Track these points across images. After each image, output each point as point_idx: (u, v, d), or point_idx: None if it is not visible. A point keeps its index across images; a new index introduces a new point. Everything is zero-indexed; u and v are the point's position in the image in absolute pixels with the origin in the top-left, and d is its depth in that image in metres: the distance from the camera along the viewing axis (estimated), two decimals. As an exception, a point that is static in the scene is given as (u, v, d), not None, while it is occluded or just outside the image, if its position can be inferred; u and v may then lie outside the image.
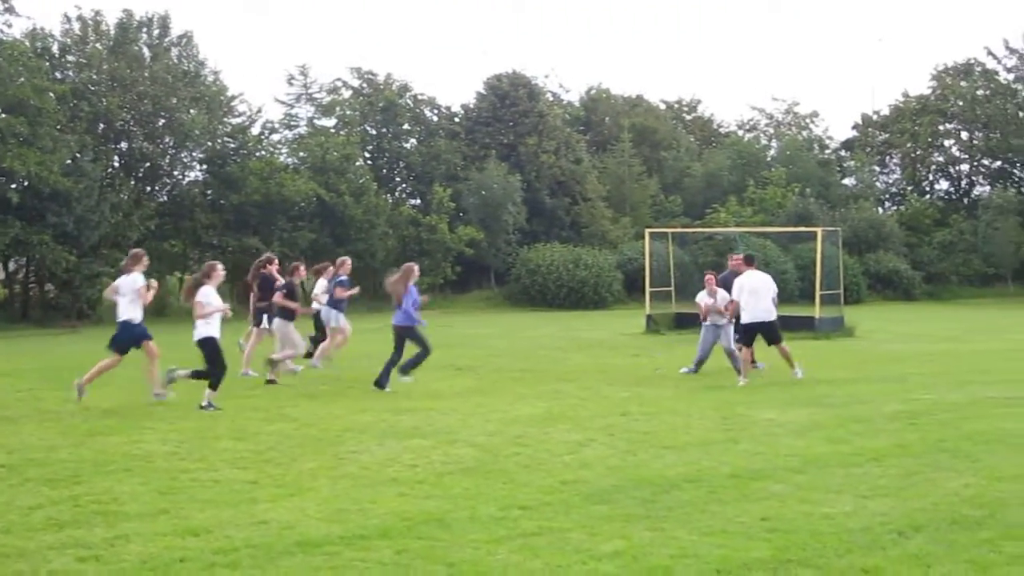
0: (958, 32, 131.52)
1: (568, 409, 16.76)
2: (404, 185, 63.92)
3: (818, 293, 32.85)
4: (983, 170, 75.14)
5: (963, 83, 73.58)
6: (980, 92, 72.30)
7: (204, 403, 17.23)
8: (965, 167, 76.13)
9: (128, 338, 18.70)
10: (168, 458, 12.61)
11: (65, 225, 41.23)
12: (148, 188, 49.52)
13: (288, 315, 21.47)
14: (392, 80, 62.75)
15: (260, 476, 11.59)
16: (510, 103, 63.50)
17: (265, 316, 22.43)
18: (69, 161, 42.38)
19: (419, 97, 63.92)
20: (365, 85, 62.50)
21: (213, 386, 17.55)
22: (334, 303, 23.41)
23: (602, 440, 13.79)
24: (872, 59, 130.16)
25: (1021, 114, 70.99)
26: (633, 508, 10.12)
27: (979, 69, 73.55)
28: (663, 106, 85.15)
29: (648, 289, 35.21)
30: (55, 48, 46.78)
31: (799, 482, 11.23)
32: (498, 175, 57.59)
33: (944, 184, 77.19)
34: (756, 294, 21.01)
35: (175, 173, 51.02)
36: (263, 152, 53.21)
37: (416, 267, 21.01)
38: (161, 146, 48.09)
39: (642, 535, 9.15)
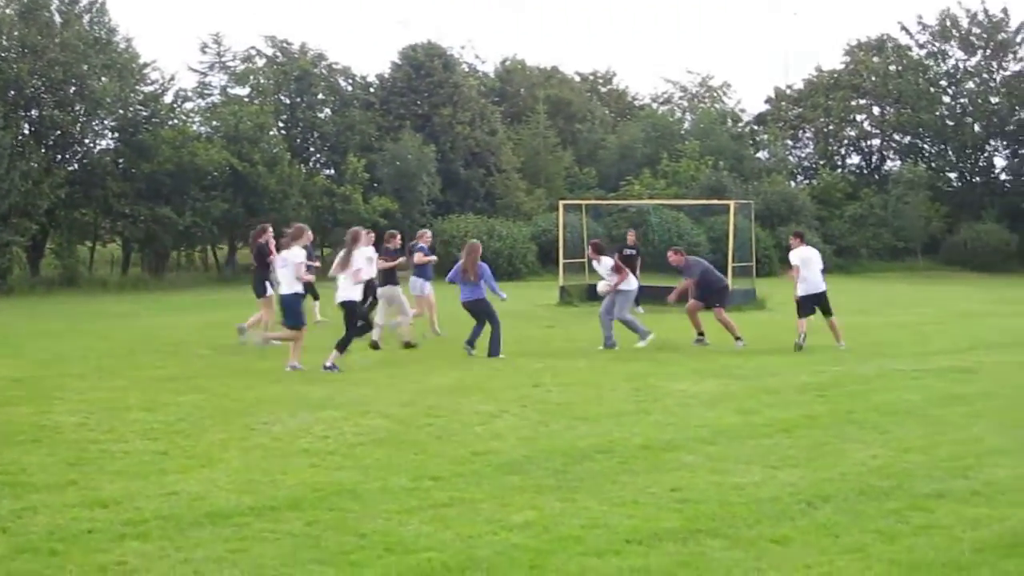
0: (872, 7, 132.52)
1: (481, 380, 16.79)
2: (318, 155, 63.54)
3: (731, 265, 32.98)
4: (894, 145, 75.78)
5: (876, 58, 74.16)
6: (892, 67, 72.93)
7: (328, 363, 18.04)
8: (876, 142, 76.77)
9: (297, 310, 18.78)
10: (77, 429, 12.50)
11: (-26, 193, 40.74)
12: (59, 156, 48.83)
13: (393, 280, 22.93)
14: (307, 49, 62.28)
15: (170, 447, 11.52)
16: (425, 73, 63.27)
17: (268, 284, 22.69)
18: (-23, 129, 41.82)
19: (334, 67, 63.52)
20: (279, 54, 62.01)
21: (341, 348, 18.36)
22: (420, 271, 24.54)
23: (514, 411, 13.82)
24: (786, 33, 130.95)
25: (932, 89, 71.66)
26: (544, 479, 10.16)
27: (891, 45, 74.15)
28: (578, 78, 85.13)
29: (562, 261, 35.22)
30: (-37, 14, 46.11)
31: (710, 453, 11.33)
32: (413, 146, 57.39)
33: (856, 159, 77.81)
34: (809, 266, 22.09)
35: (86, 141, 50.35)
36: (176, 121, 52.66)
37: (479, 244, 22.22)
38: (72, 114, 47.40)
39: (553, 505, 9.19)
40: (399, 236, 24.96)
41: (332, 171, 61.13)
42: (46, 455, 11.11)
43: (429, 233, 26.64)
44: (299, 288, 18.65)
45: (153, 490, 9.65)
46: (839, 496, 9.52)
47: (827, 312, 22.32)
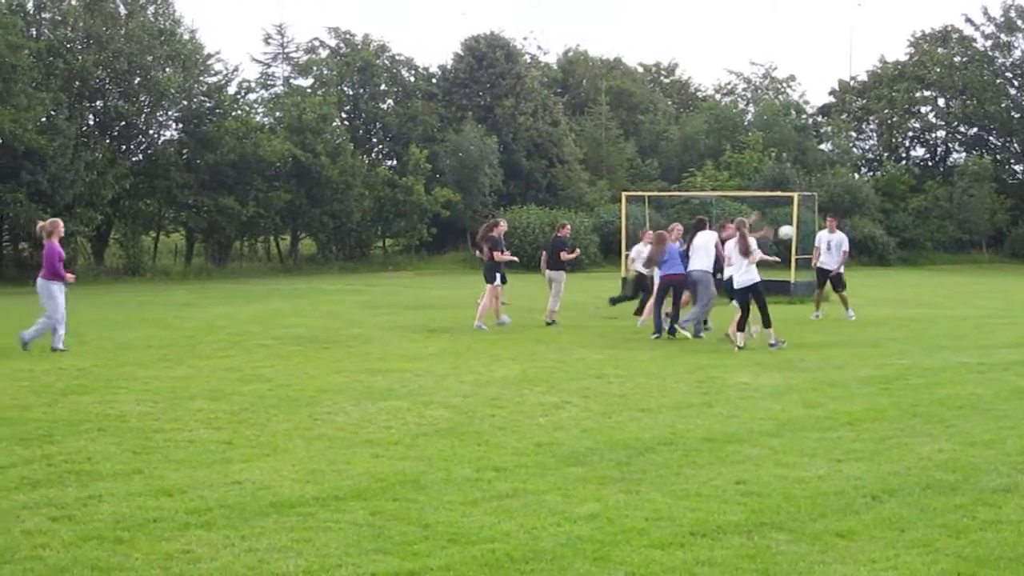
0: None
1: (543, 371, 16.76)
2: (380, 146, 63.84)
3: (794, 257, 32.82)
4: (959, 137, 75.24)
5: (940, 50, 73.59)
6: (957, 59, 72.37)
7: (772, 341, 19.86)
8: (941, 134, 76.26)
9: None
10: (142, 418, 12.57)
11: (39, 183, 41.06)
12: (123, 147, 49.29)
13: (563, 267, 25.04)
14: (369, 40, 62.64)
15: (234, 436, 11.56)
16: (487, 64, 63.39)
17: (498, 274, 24.46)
18: (44, 119, 42.19)
19: (396, 58, 63.81)
20: (342, 45, 62.30)
21: (768, 324, 20.16)
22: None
23: (577, 402, 13.79)
24: (851, 24, 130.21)
25: (998, 81, 71.07)
26: (608, 470, 10.12)
27: (956, 36, 73.57)
28: (641, 69, 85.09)
29: (624, 252, 35.11)
30: (30, 5, 46.49)
31: (773, 446, 11.25)
32: (475, 137, 57.51)
33: (920, 151, 77.41)
34: (829, 250, 26.48)
35: (150, 132, 50.84)
36: (239, 111, 53.03)
37: (666, 233, 22.85)
38: (136, 104, 47.83)
39: (617, 497, 9.15)
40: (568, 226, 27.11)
41: (394, 162, 61.48)
42: (111, 444, 11.17)
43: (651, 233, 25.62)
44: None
45: (217, 479, 9.68)
46: (904, 490, 9.42)
47: (836, 287, 26.71)
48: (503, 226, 25.95)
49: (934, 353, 19.33)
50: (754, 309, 20.30)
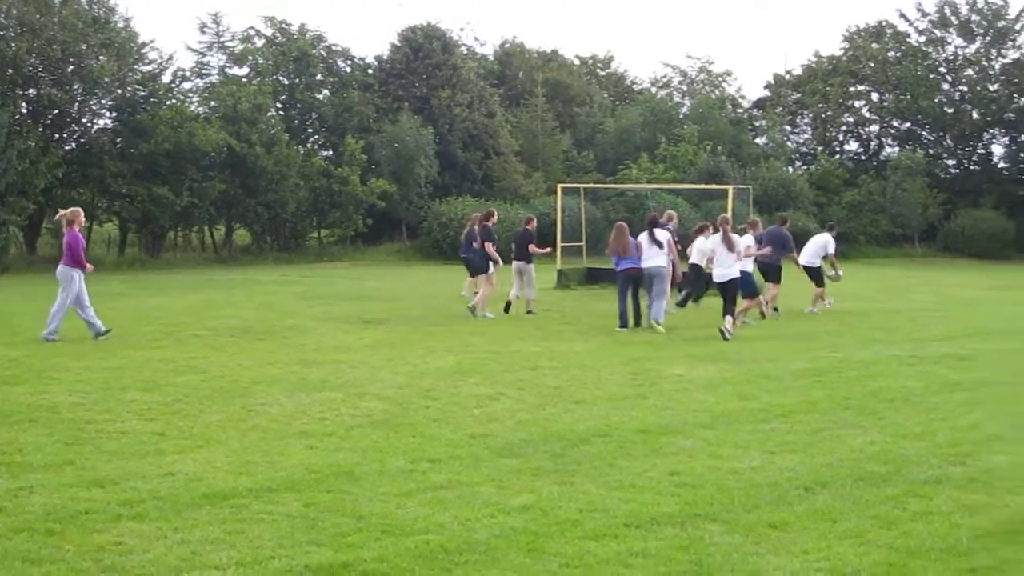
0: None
1: (478, 363, 16.78)
2: (316, 136, 63.60)
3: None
4: (892, 131, 75.75)
5: (874, 45, 74.11)
6: (891, 54, 72.88)
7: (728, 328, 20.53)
8: (875, 128, 76.74)
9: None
10: (74, 409, 12.48)
11: (-29, 172, 40.70)
12: (56, 136, 48.82)
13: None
14: (306, 30, 62.33)
15: (167, 428, 11.51)
16: (424, 55, 63.31)
17: (490, 263, 25.96)
18: (-26, 108, 41.78)
19: (333, 48, 63.57)
20: (278, 35, 62.01)
21: (729, 313, 21.01)
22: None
23: (512, 394, 13.81)
24: (786, 18, 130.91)
25: (931, 76, 71.63)
26: (542, 462, 10.15)
27: (890, 31, 74.10)
28: (577, 62, 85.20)
29: (559, 244, 35.17)
30: (-39, -7, 46.03)
31: (707, 437, 11.31)
32: (411, 128, 57.45)
33: (854, 145, 77.80)
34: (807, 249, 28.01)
35: (84, 121, 50.35)
36: (174, 100, 52.68)
37: (625, 225, 23.39)
38: (70, 93, 47.37)
39: (551, 489, 9.18)
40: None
41: (330, 152, 61.35)
42: (43, 435, 11.09)
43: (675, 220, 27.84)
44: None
45: (150, 470, 9.63)
46: (837, 482, 9.51)
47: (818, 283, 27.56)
48: (495, 217, 27.81)
49: (867, 346, 19.51)
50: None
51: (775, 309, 25.86)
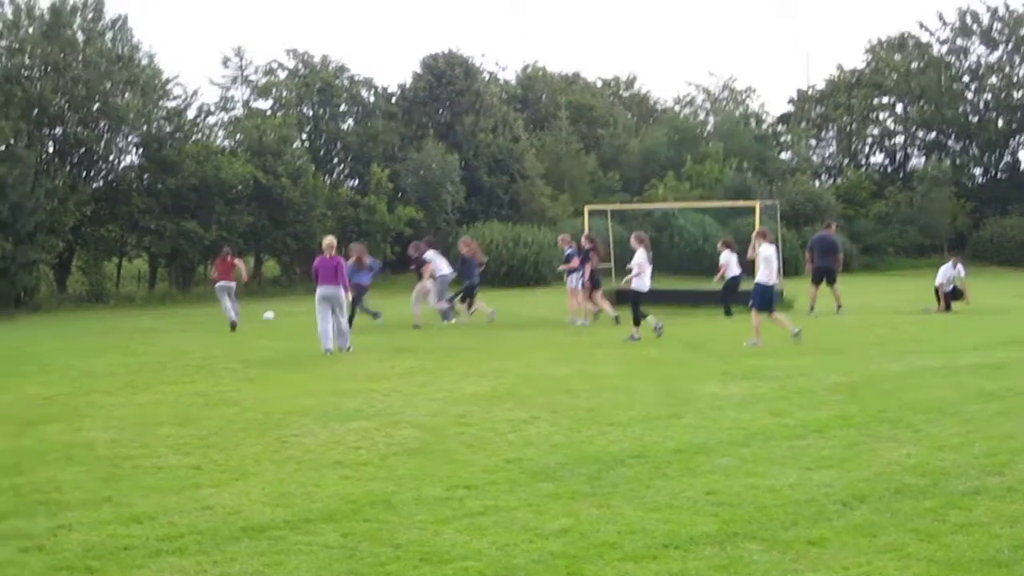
0: (892, 5, 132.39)
1: (511, 387, 16.76)
2: (342, 166, 63.70)
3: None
4: (918, 142, 75.75)
5: (897, 56, 74.08)
6: (914, 65, 72.85)
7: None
8: (900, 139, 76.77)
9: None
10: (110, 446, 12.51)
11: (0, 212, 40.81)
12: (83, 173, 49.01)
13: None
14: (328, 61, 62.50)
15: (203, 461, 11.52)
16: (446, 82, 63.43)
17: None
18: (3, 148, 41.94)
19: (356, 78, 63.71)
20: (301, 66, 62.19)
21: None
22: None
23: (546, 417, 13.79)
24: (808, 33, 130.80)
25: (954, 86, 71.58)
26: (579, 485, 10.13)
27: (912, 42, 74.09)
28: (600, 83, 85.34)
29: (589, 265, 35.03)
30: (-14, 33, 46.30)
31: (743, 455, 11.28)
32: (436, 154, 57.53)
33: (880, 157, 77.81)
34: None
35: (111, 158, 50.51)
36: (199, 135, 52.85)
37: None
38: (96, 131, 47.57)
39: (589, 512, 9.16)
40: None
41: (356, 182, 61.42)
42: (80, 472, 11.12)
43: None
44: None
45: (188, 505, 9.64)
46: (875, 496, 9.47)
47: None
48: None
49: (900, 358, 19.43)
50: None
51: (839, 306, 30.09)
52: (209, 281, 48.84)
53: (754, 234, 24.14)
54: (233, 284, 29.93)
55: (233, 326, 28.98)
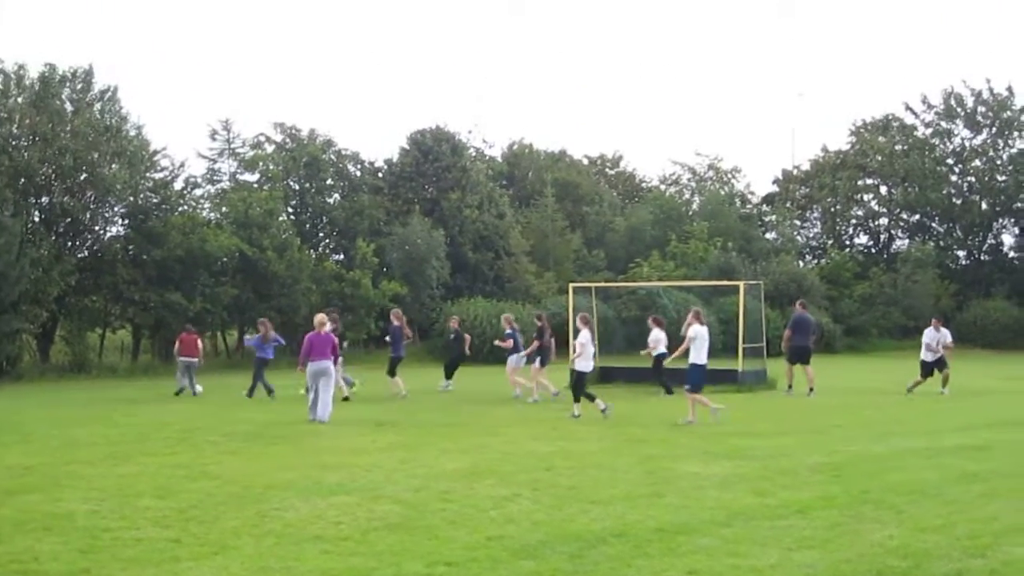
0: (877, 87, 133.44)
1: (493, 463, 16.72)
2: (327, 240, 63.88)
3: (741, 346, 32.99)
4: (902, 224, 76.14)
5: (881, 138, 74.58)
6: (898, 147, 73.34)
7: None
8: (884, 221, 77.16)
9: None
10: (89, 516, 12.45)
11: (-16, 281, 40.78)
12: (69, 243, 49.03)
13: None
14: (315, 135, 62.86)
15: (183, 534, 11.46)
16: (433, 158, 63.73)
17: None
18: (-11, 216, 41.99)
19: (342, 152, 64.08)
20: (288, 140, 62.52)
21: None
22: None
23: (528, 495, 13.75)
24: (793, 114, 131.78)
25: (938, 168, 72.04)
26: (560, 563, 10.09)
27: (896, 124, 74.64)
28: (586, 161, 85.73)
29: (572, 343, 35.06)
30: (-26, 102, 46.42)
31: (725, 535, 11.25)
32: (422, 230, 57.70)
33: (864, 238, 78.19)
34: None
35: (96, 228, 50.54)
36: (185, 207, 52.96)
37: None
38: (82, 201, 47.62)
39: (569, 590, 9.13)
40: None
41: (341, 256, 61.55)
42: (58, 543, 11.06)
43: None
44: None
45: (166, 578, 9.60)
46: (857, 578, 9.45)
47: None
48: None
49: (882, 439, 19.45)
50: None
51: (811, 389, 29.64)
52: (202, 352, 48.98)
53: (689, 314, 24.16)
54: (196, 360, 32.39)
55: (181, 392, 32.07)
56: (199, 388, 32.23)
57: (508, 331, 30.77)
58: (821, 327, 29.63)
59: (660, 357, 29.77)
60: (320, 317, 24.79)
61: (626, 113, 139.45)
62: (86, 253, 50.25)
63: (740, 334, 33.03)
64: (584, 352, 24.38)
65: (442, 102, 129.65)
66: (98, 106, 48.94)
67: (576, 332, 24.98)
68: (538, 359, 29.37)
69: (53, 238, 47.14)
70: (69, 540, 11.20)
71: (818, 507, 12.72)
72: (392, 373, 30.81)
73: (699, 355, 22.99)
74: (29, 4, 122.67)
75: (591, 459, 17.25)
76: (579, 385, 24.50)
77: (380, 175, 65.64)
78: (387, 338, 31.93)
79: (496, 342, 32.08)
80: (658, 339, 29.64)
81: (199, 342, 33.06)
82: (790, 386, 30.00)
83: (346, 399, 28.36)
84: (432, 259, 57.79)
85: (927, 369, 30.75)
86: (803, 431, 20.96)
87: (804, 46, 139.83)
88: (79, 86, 48.13)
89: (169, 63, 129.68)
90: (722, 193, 77.61)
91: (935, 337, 30.98)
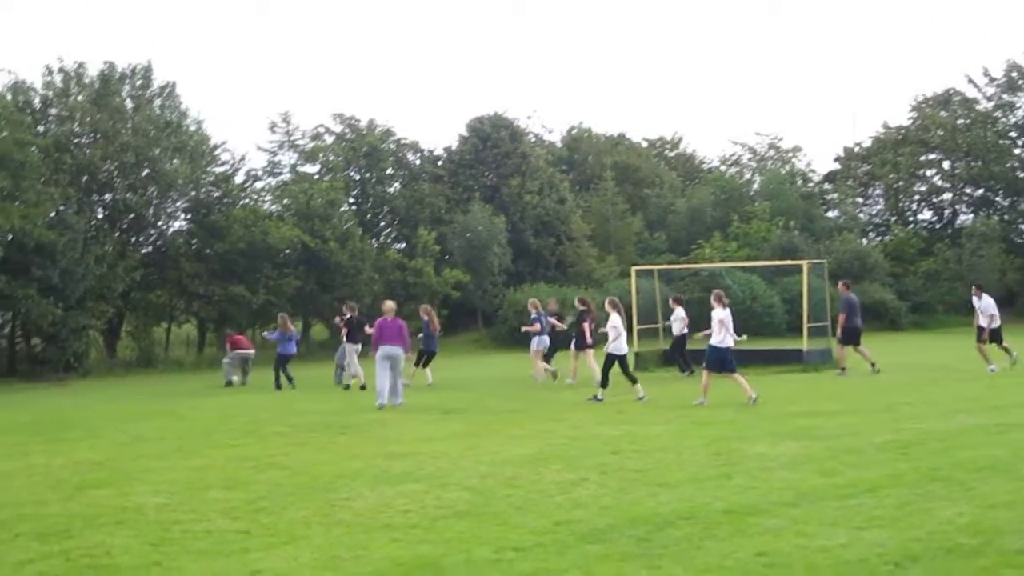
0: (937, 61, 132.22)
1: (559, 448, 16.70)
2: (389, 229, 64.05)
3: (805, 326, 32.84)
4: (965, 198, 75.40)
5: (943, 113, 73.86)
6: (960, 121, 72.62)
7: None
8: (948, 196, 76.42)
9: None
10: (159, 510, 12.52)
11: (50, 278, 41.10)
12: (132, 239, 49.47)
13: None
14: (375, 125, 63.00)
15: (252, 525, 11.51)
16: (492, 145, 63.70)
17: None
18: (53, 214, 42.37)
19: (402, 141, 64.18)
20: (348, 131, 62.69)
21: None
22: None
23: (595, 479, 13.72)
24: (853, 91, 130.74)
25: (1001, 141, 71.30)
26: (628, 547, 10.06)
27: (958, 98, 73.88)
28: (645, 144, 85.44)
29: (636, 327, 35.06)
30: (37, 101, 46.83)
31: (794, 516, 11.19)
32: (483, 217, 57.70)
33: (927, 214, 77.46)
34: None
35: (159, 223, 50.99)
36: (247, 200, 53.30)
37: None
38: (145, 196, 48.02)
39: (638, 573, 9.10)
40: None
41: (403, 245, 61.68)
42: (130, 537, 11.13)
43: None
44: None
45: (237, 569, 9.64)
46: (927, 556, 9.36)
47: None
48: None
49: (950, 416, 19.27)
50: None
51: (872, 364, 29.60)
52: (257, 345, 49.22)
53: (712, 297, 24.01)
54: (252, 352, 34.47)
55: (229, 384, 33.54)
56: (249, 379, 33.90)
57: (533, 315, 31.09)
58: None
59: (681, 337, 30.62)
60: (389, 304, 25.23)
61: (685, 95, 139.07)
62: (150, 248, 50.70)
63: (804, 313, 32.88)
64: (618, 336, 24.31)
65: (501, 88, 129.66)
66: (158, 102, 49.35)
67: (606, 317, 24.85)
68: (573, 343, 29.29)
69: (117, 234, 47.56)
70: (140, 534, 11.27)
71: (886, 485, 12.62)
72: (425, 364, 30.95)
73: (720, 337, 22.86)
74: (89, 3, 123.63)
75: (657, 442, 17.20)
76: (608, 368, 24.39)
77: (440, 163, 65.74)
78: (419, 334, 32.15)
79: (523, 328, 32.09)
80: (681, 318, 29.88)
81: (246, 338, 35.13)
82: (843, 368, 29.71)
83: (348, 387, 29.72)
84: (493, 246, 57.79)
85: (995, 336, 30.28)
86: (869, 410, 20.80)
87: (863, 22, 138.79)
88: (139, 83, 48.56)
89: (227, 57, 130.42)
90: (783, 172, 77.17)
91: (978, 305, 30.60)
